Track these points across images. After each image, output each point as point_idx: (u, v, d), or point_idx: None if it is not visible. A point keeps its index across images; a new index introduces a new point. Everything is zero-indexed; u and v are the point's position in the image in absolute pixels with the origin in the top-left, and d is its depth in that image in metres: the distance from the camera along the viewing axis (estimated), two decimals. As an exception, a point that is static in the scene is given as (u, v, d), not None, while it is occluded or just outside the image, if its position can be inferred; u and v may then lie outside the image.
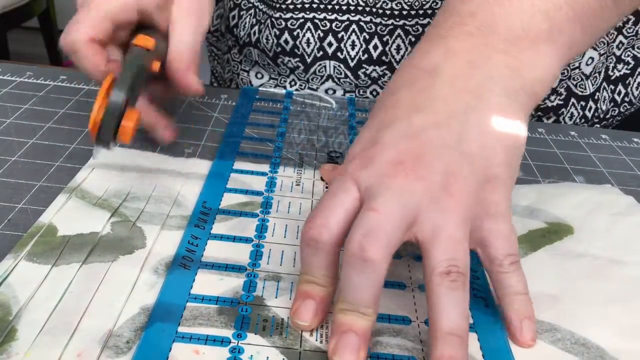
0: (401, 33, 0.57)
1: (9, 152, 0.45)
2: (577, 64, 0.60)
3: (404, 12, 0.56)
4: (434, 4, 0.55)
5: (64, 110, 0.52)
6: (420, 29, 0.57)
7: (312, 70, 0.61)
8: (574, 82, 0.61)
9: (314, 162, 0.47)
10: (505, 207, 0.32)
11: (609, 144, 0.55)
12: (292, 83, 0.63)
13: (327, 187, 0.44)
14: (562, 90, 0.61)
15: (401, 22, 0.57)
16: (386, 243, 0.29)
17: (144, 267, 0.34)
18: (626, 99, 0.64)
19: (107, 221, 0.37)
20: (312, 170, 0.46)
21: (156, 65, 0.41)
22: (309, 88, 0.62)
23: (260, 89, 0.60)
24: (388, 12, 0.57)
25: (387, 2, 0.56)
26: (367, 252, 0.29)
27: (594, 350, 0.31)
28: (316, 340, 0.31)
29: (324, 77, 0.61)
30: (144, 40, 0.40)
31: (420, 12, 0.56)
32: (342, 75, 0.60)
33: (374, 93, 0.61)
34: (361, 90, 0.61)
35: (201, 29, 0.45)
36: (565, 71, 0.60)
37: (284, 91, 0.59)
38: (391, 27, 0.57)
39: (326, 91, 0.62)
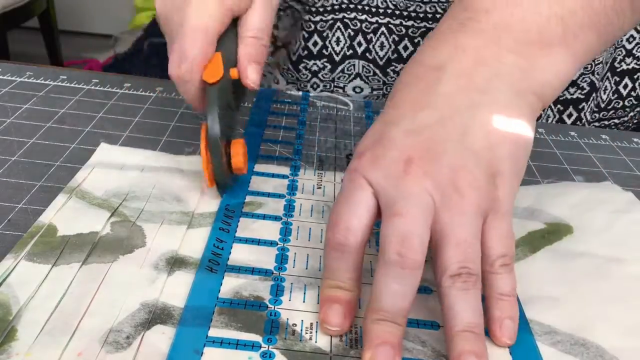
0: None
1: (9, 152, 0.45)
2: (600, 59, 0.59)
3: (438, 16, 0.56)
4: None
5: (64, 110, 0.52)
6: None
7: (339, 68, 0.60)
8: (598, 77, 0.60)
9: (334, 165, 0.47)
10: (507, 205, 0.32)
11: (609, 144, 0.55)
12: (315, 86, 0.62)
13: None
14: (585, 85, 0.60)
15: (434, 25, 0.56)
16: (421, 246, 0.29)
17: (144, 263, 0.34)
18: (633, 93, 0.63)
19: (107, 221, 0.37)
20: (332, 172, 0.46)
21: (234, 73, 0.40)
22: (335, 87, 0.62)
23: (277, 90, 0.60)
24: (421, 15, 0.56)
25: (421, 5, 0.56)
26: (406, 258, 0.29)
27: (594, 349, 0.31)
28: (346, 344, 0.31)
29: (352, 75, 0.61)
30: (211, 76, 0.39)
31: None
32: (371, 74, 0.60)
33: None
34: (389, 88, 0.61)
35: (270, 10, 0.43)
36: (589, 65, 0.59)
37: (300, 93, 0.59)
38: (423, 29, 0.57)
39: (354, 89, 0.61)
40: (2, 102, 0.52)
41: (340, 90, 0.62)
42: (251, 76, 0.41)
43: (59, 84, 0.56)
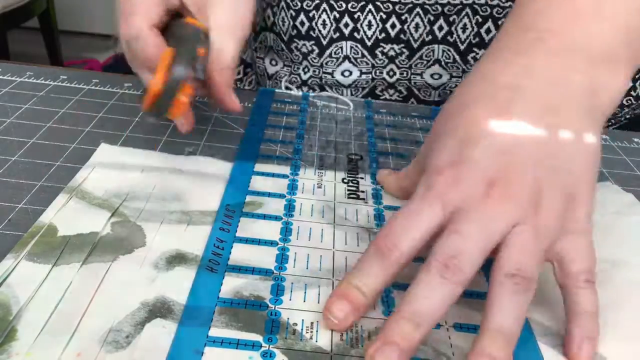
0: (420, 12, 0.57)
1: (9, 152, 0.45)
2: None
3: None
4: None
5: (64, 110, 0.52)
6: (440, 8, 0.57)
7: (327, 52, 0.61)
8: None
9: (334, 164, 0.47)
10: (586, 224, 0.33)
11: (609, 144, 0.55)
12: (306, 70, 0.63)
13: (380, 187, 0.44)
14: None
15: (421, 1, 0.57)
16: (469, 264, 0.29)
17: (144, 263, 0.34)
18: (633, 93, 0.63)
19: (107, 221, 0.37)
20: (332, 172, 0.46)
21: (201, 52, 0.41)
22: (323, 72, 0.62)
23: (277, 90, 0.60)
24: None
25: None
26: (449, 269, 0.29)
27: (593, 356, 0.31)
28: (347, 344, 0.30)
29: (340, 59, 0.61)
30: (194, 21, 0.42)
31: None
32: (359, 55, 0.60)
33: (391, 73, 0.61)
34: (378, 71, 0.61)
35: (242, 38, 0.46)
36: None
37: (300, 93, 0.59)
38: (410, 5, 0.57)
39: (342, 73, 0.62)
40: (2, 102, 0.52)
41: (329, 76, 0.62)
42: (236, 101, 0.45)
43: (59, 84, 0.56)
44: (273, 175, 0.45)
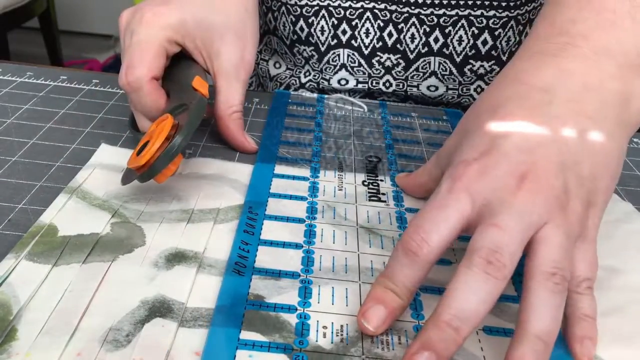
0: (416, 22, 0.58)
1: (9, 152, 0.45)
2: None
3: (420, 1, 0.57)
4: None
5: (64, 110, 0.52)
6: (435, 19, 0.57)
7: (325, 59, 0.61)
8: None
9: (353, 166, 0.47)
10: (595, 233, 0.33)
11: (608, 144, 0.55)
12: (307, 74, 0.63)
13: (401, 190, 0.44)
14: None
15: (416, 11, 0.57)
16: (510, 260, 0.29)
17: (144, 262, 0.34)
18: None
19: (107, 222, 0.37)
20: (352, 174, 0.46)
21: (208, 111, 0.42)
22: (322, 79, 0.62)
23: (292, 92, 0.60)
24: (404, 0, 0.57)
25: None
26: (492, 265, 0.29)
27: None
28: (377, 347, 0.30)
29: (337, 67, 0.61)
30: (201, 86, 0.42)
31: (437, 2, 0.57)
32: (356, 64, 0.61)
33: (387, 84, 0.61)
34: (374, 81, 0.61)
35: (246, 81, 0.48)
36: None
37: (315, 95, 0.59)
38: (406, 14, 0.58)
39: (339, 82, 0.62)
40: (2, 102, 0.52)
41: (327, 83, 0.62)
42: (251, 142, 0.47)
43: (59, 84, 0.57)
44: (294, 177, 0.44)
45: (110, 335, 0.29)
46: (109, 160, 0.44)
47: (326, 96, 0.59)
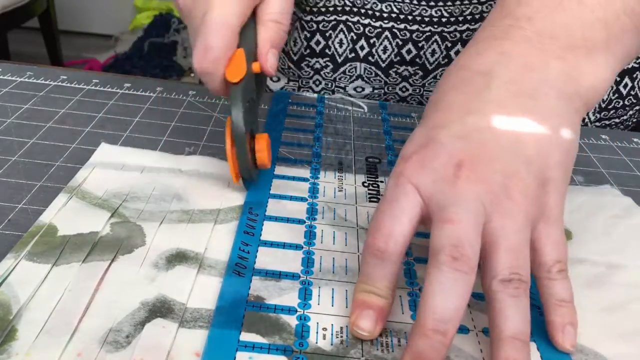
0: (438, 39, 0.57)
1: (9, 152, 0.45)
2: None
3: (443, 20, 0.56)
4: (475, 9, 0.55)
5: (64, 110, 0.52)
6: (458, 35, 0.57)
7: (341, 70, 0.60)
8: None
9: (353, 167, 0.47)
10: (558, 212, 0.32)
11: (608, 144, 0.55)
12: (317, 82, 0.62)
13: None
14: None
15: (439, 29, 0.57)
16: (473, 252, 0.29)
17: (144, 263, 0.34)
18: (632, 92, 0.63)
19: (107, 221, 0.37)
20: (352, 175, 0.46)
21: (256, 67, 0.41)
22: (336, 87, 0.62)
23: (292, 92, 0.60)
24: (427, 19, 0.56)
25: (427, 9, 0.56)
26: (459, 261, 0.29)
27: (592, 356, 0.31)
28: (377, 349, 0.30)
29: (354, 77, 0.61)
30: (234, 75, 0.39)
31: (460, 18, 0.56)
32: (373, 75, 0.60)
33: (403, 89, 0.61)
34: (390, 87, 0.61)
35: (289, 15, 0.44)
36: None
37: (315, 95, 0.59)
38: (428, 33, 0.57)
39: (355, 89, 0.62)
40: (2, 102, 0.52)
41: (342, 90, 0.62)
42: (271, 60, 0.42)
43: (59, 84, 0.57)
44: (293, 178, 0.44)
45: (110, 336, 0.29)
46: (109, 160, 0.44)
47: (327, 96, 0.59)
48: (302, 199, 0.42)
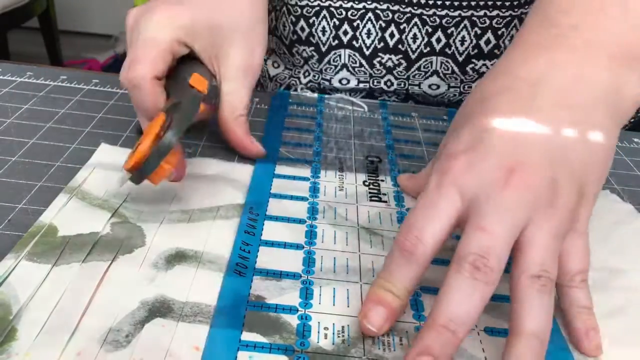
0: (418, 22, 0.58)
1: (9, 152, 0.45)
2: None
3: (422, 2, 0.57)
4: None
5: (64, 110, 0.52)
6: (438, 20, 0.57)
7: (326, 59, 0.61)
8: None
9: (354, 166, 0.47)
10: (586, 225, 0.33)
11: (608, 144, 0.55)
12: (306, 74, 0.63)
13: (400, 191, 0.44)
14: None
15: (419, 12, 0.57)
16: (498, 264, 0.29)
17: (144, 263, 0.34)
18: None
19: (107, 222, 0.37)
20: (353, 174, 0.46)
21: (203, 108, 0.42)
22: (322, 79, 0.62)
23: (292, 92, 0.60)
24: (407, 0, 0.57)
25: None
26: (480, 271, 0.29)
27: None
28: (378, 348, 0.30)
29: (338, 67, 0.61)
30: (199, 83, 0.41)
31: (439, 2, 0.56)
32: (357, 64, 0.60)
33: (388, 83, 0.61)
34: (375, 81, 0.61)
35: (253, 85, 0.47)
36: None
37: (315, 95, 0.59)
38: (409, 15, 0.57)
39: (340, 81, 0.62)
40: (2, 102, 0.52)
41: (327, 83, 0.62)
42: (258, 145, 0.46)
43: (59, 84, 0.57)
44: (294, 178, 0.44)
45: (110, 336, 0.29)
46: (109, 160, 0.44)
47: (326, 96, 0.59)
48: (303, 199, 0.42)
